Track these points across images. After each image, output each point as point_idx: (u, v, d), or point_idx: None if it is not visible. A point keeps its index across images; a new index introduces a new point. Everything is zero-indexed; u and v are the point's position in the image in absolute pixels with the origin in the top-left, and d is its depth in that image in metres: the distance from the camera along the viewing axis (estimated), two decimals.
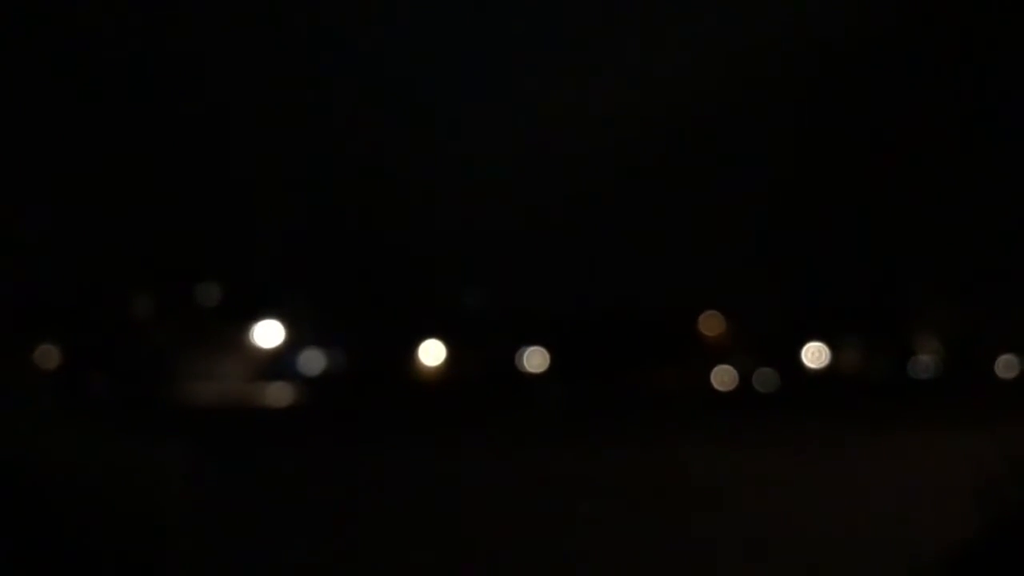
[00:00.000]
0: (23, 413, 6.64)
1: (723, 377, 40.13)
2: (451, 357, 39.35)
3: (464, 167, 34.40)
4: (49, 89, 30.79)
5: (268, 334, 36.84)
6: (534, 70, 34.03)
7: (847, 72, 32.54)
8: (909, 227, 35.73)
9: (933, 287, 37.97)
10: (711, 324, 40.71)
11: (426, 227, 35.17)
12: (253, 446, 21.33)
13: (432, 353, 39.26)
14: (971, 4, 32.24)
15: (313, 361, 37.54)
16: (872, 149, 34.04)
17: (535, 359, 39.83)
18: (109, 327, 35.41)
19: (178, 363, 34.63)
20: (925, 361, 40.43)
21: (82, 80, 31.55)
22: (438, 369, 39.28)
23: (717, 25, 33.05)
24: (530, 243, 35.27)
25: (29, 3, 30.77)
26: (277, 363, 36.61)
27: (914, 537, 9.02)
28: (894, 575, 6.99)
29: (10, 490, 5.67)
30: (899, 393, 35.98)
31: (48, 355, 34.90)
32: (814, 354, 40.67)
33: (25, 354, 33.93)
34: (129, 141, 32.28)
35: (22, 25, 30.32)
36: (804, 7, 32.26)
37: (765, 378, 39.96)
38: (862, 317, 39.85)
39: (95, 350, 35.04)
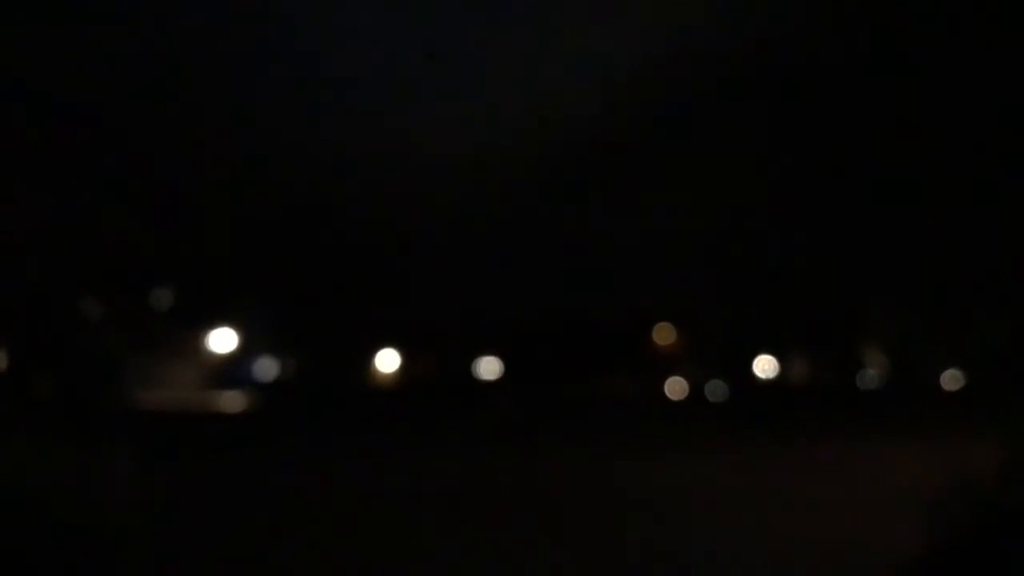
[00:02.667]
0: None
1: (675, 387, 40.50)
2: (406, 365, 39.33)
3: (420, 177, 34.44)
4: None
5: (222, 341, 36.57)
6: (483, 73, 34.14)
7: (796, 85, 32.97)
8: (858, 243, 36.29)
9: (881, 302, 38.59)
10: (664, 335, 41.07)
11: (382, 237, 35.14)
12: (204, 452, 21.21)
13: (387, 361, 39.22)
14: (903, 8, 32.71)
15: (267, 369, 37.32)
16: (823, 166, 34.53)
17: (490, 367, 39.98)
18: (58, 330, 34.92)
19: (129, 368, 34.24)
20: (872, 374, 41.07)
21: (32, 81, 31.19)
22: (393, 377, 39.23)
23: (663, 33, 33.25)
24: (486, 253, 35.39)
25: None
26: (230, 370, 36.32)
27: (861, 545, 9.24)
28: None
29: None
30: (847, 404, 36.49)
31: None
32: (764, 366, 41.18)
33: None
34: (84, 142, 31.96)
35: None
36: (746, 12, 32.53)
37: (716, 389, 40.38)
38: (811, 331, 40.41)
39: (43, 353, 34.55)
